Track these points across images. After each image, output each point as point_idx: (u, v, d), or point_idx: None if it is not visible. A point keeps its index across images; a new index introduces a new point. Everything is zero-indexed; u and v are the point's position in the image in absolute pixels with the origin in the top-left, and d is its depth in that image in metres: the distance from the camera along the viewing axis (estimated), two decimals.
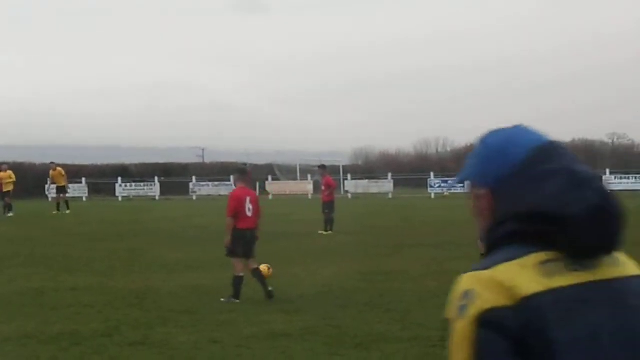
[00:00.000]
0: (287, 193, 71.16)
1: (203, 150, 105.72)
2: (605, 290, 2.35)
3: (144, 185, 73.95)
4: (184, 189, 72.00)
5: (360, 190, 69.48)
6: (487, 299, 2.26)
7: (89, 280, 19.03)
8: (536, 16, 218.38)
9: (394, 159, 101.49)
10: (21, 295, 16.89)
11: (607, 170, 64.67)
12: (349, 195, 65.83)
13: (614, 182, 62.83)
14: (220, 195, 68.17)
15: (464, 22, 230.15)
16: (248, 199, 16.47)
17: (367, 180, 73.59)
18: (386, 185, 70.17)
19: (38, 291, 17.48)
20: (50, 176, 49.80)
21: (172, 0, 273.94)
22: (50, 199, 57.38)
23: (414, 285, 17.66)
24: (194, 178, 73.31)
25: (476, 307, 2.26)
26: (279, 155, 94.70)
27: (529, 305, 2.25)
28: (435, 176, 69.55)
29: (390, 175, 70.97)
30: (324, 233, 31.21)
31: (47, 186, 68.02)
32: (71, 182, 69.07)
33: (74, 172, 73.96)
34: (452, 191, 66.32)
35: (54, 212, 46.29)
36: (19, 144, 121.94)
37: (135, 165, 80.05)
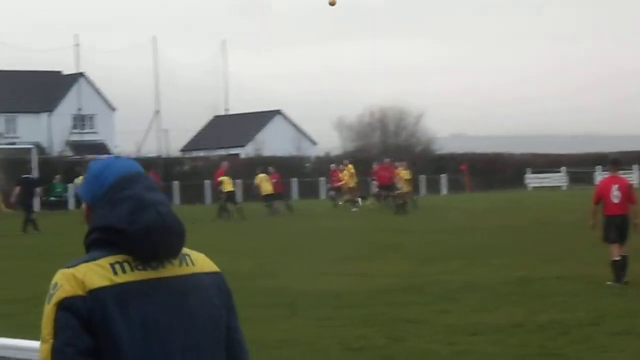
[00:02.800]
0: None
1: None
2: (163, 285, 3.18)
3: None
4: None
5: None
6: (66, 289, 3.10)
7: (573, 269, 19.19)
8: None
9: None
10: (507, 285, 17.36)
11: None
12: None
13: None
14: None
15: None
16: (615, 186, 17.15)
17: None
18: None
19: (524, 280, 17.87)
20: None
21: None
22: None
23: None
24: None
25: (57, 296, 3.11)
26: None
27: (95, 295, 3.08)
28: None
29: None
30: None
31: (525, 176, 69.47)
32: (550, 172, 70.00)
33: (553, 161, 74.66)
34: None
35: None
36: (497, 134, 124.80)
37: (613, 154, 78.90)
